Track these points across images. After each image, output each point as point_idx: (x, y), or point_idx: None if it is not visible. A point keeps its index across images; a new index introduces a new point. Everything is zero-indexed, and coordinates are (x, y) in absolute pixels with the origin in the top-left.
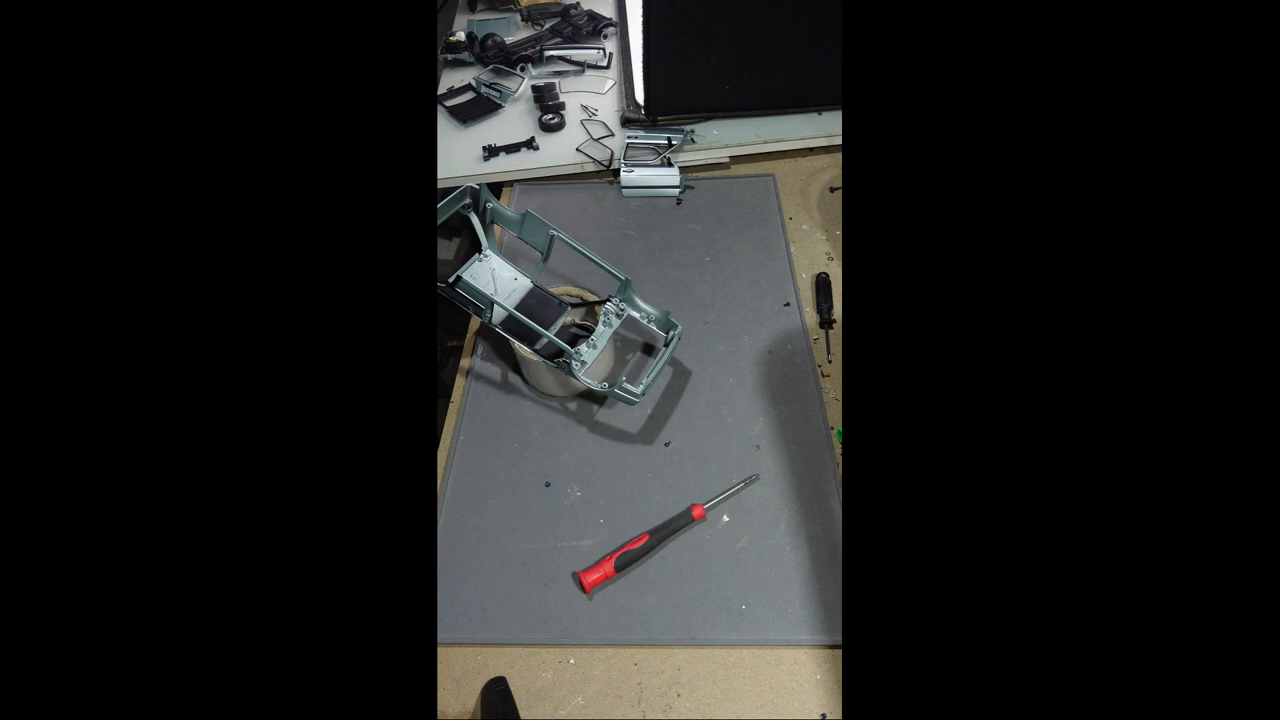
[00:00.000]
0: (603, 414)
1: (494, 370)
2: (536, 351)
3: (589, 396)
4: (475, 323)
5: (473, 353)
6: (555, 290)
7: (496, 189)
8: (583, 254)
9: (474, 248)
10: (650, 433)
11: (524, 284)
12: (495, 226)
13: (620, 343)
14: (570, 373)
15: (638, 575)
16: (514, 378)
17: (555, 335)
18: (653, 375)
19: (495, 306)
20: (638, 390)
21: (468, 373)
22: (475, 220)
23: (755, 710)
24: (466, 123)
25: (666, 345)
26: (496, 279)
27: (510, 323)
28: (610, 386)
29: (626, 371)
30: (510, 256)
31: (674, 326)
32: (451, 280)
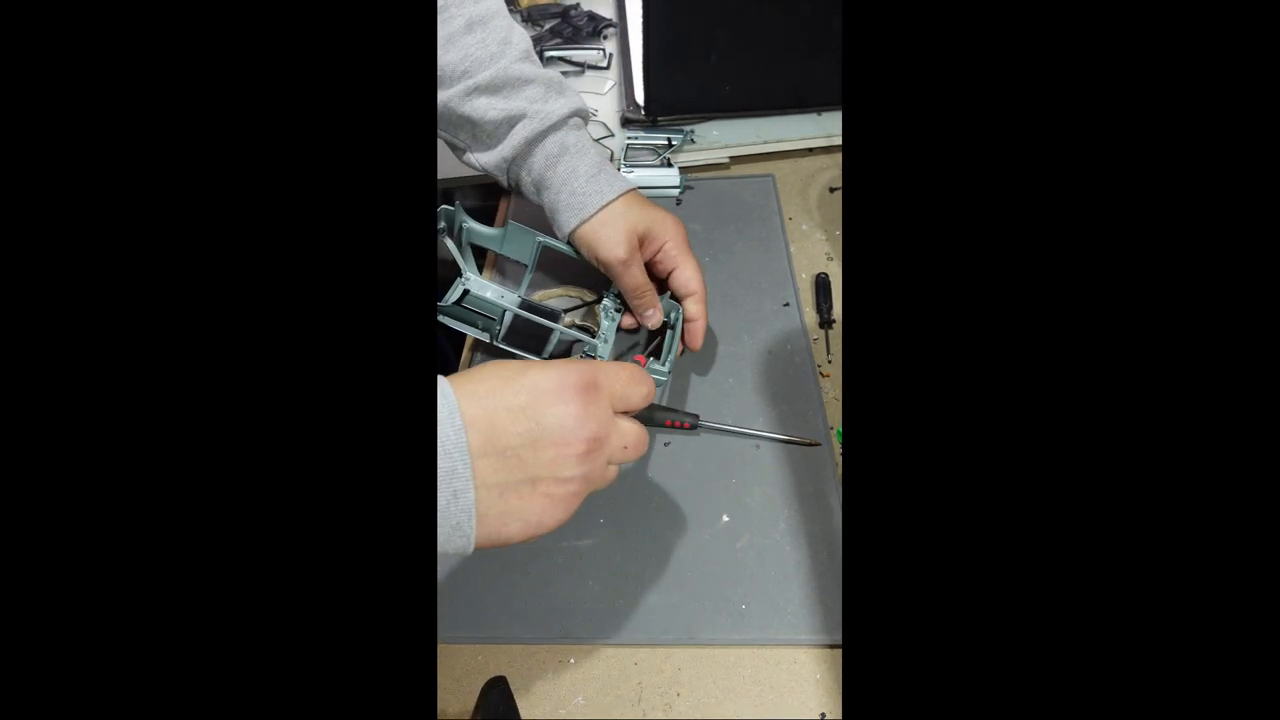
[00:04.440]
0: None
1: None
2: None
3: None
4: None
5: (471, 355)
6: (539, 297)
7: (497, 192)
8: (572, 256)
9: (455, 272)
10: (650, 433)
11: (511, 299)
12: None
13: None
14: None
15: (637, 575)
16: None
17: (561, 338)
18: (672, 355)
19: (505, 314)
20: (664, 369)
21: None
22: (450, 244)
23: (755, 710)
24: None
25: (671, 327)
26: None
27: (516, 333)
28: None
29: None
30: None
31: (675, 307)
32: (456, 298)
